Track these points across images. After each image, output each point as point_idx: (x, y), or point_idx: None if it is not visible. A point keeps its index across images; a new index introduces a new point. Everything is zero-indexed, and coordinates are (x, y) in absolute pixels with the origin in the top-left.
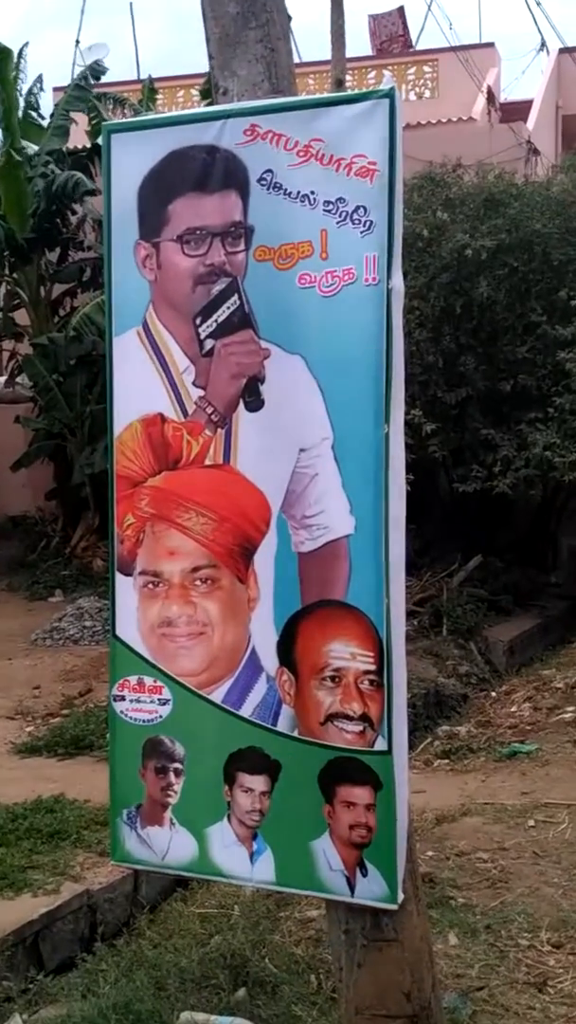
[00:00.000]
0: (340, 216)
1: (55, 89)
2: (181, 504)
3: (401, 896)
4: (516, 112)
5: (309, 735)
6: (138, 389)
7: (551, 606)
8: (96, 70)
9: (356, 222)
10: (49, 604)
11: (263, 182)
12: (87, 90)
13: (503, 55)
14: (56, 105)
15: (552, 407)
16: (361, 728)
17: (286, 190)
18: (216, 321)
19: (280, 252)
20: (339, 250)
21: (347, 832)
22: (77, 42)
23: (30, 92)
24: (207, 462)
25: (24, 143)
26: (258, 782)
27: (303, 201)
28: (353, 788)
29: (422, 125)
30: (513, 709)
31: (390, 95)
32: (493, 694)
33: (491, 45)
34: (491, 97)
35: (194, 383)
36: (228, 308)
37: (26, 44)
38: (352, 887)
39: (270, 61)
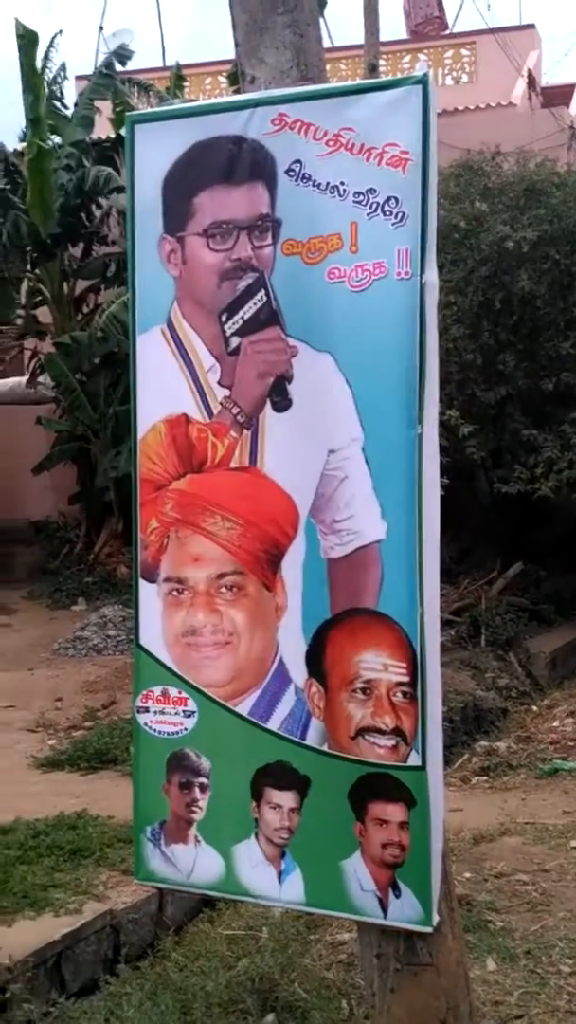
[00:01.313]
0: (371, 208)
1: (78, 78)
2: (206, 508)
3: (436, 918)
4: (558, 96)
5: (339, 749)
6: (162, 389)
7: None
8: (122, 55)
9: (388, 214)
10: (72, 612)
11: (291, 173)
12: (112, 77)
13: (544, 37)
14: (80, 94)
15: None
16: (394, 742)
17: (315, 181)
18: (242, 318)
19: (309, 246)
20: (370, 243)
21: (379, 851)
22: (101, 28)
23: (54, 81)
24: (233, 465)
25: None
26: (287, 798)
27: (333, 192)
28: (386, 805)
29: (459, 111)
30: (555, 724)
31: (423, 81)
32: (534, 708)
33: (531, 27)
34: (532, 81)
35: (219, 383)
36: (255, 304)
37: (59, 32)
38: (385, 909)
39: (299, 47)
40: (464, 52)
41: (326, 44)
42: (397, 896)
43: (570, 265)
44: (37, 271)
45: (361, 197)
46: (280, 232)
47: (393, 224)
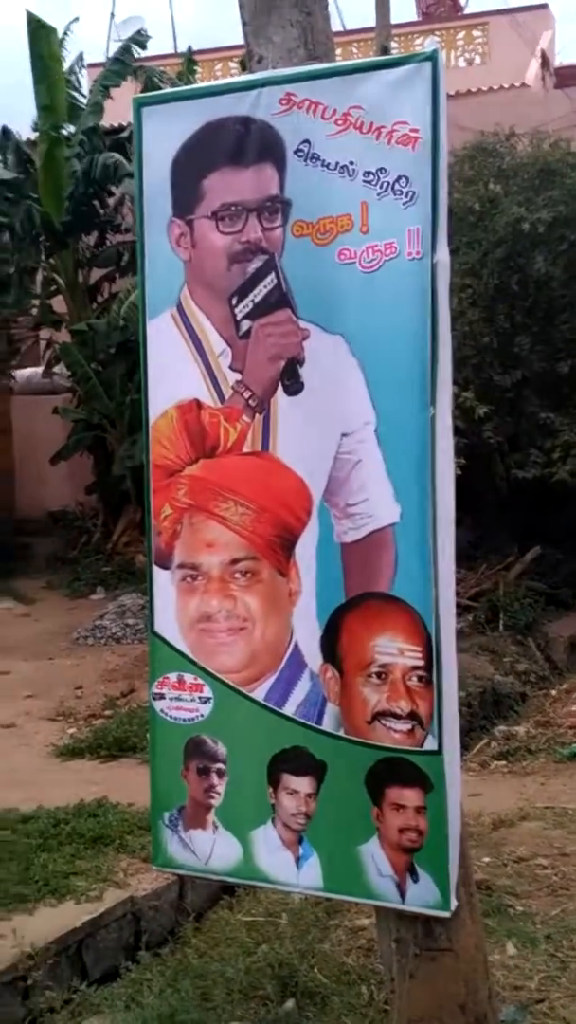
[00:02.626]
0: (381, 187)
1: (90, 66)
2: (219, 494)
3: (454, 903)
4: (573, 77)
5: (355, 734)
6: (173, 374)
7: None
8: (138, 40)
9: (398, 193)
10: (91, 602)
11: (300, 153)
12: (127, 64)
13: (558, 16)
14: (94, 81)
15: None
16: (410, 727)
17: (324, 161)
18: (253, 301)
19: (319, 226)
20: (381, 223)
21: (397, 836)
22: (112, 15)
23: (71, 70)
24: (245, 449)
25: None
26: (303, 783)
27: (342, 172)
28: (402, 789)
29: (472, 93)
30: (574, 708)
31: (432, 58)
32: (553, 692)
33: (544, 6)
34: (545, 61)
35: (231, 367)
36: (265, 287)
37: (75, 20)
38: (403, 893)
39: (306, 26)
40: (476, 33)
41: (338, 28)
42: (415, 881)
43: None
44: (51, 260)
45: (371, 177)
46: (290, 213)
47: (404, 203)
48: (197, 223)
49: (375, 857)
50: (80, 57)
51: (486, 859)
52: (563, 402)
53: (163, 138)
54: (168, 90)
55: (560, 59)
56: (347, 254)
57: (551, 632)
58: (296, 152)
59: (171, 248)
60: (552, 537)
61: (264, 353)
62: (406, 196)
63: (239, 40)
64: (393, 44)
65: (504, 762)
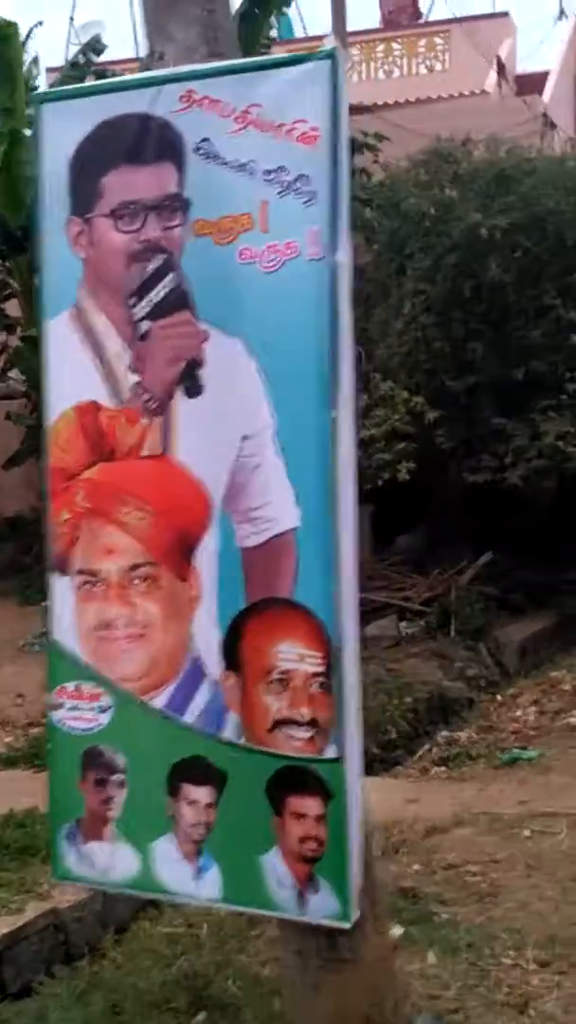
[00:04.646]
0: (282, 186)
1: (48, 70)
2: (118, 498)
3: (356, 914)
4: (532, 85)
5: (256, 743)
6: (71, 375)
7: (567, 604)
8: (94, 46)
9: (298, 192)
10: (42, 609)
11: (200, 151)
12: (84, 68)
13: (519, 25)
14: (50, 86)
15: (566, 394)
16: (310, 734)
17: (224, 159)
18: (151, 301)
19: (220, 225)
20: (281, 223)
21: (297, 846)
22: (71, 19)
23: (28, 73)
24: (144, 452)
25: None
26: (203, 793)
27: (242, 171)
28: (303, 798)
29: (432, 100)
30: (518, 713)
31: (332, 55)
32: (499, 697)
33: (505, 14)
34: (502, 69)
35: (130, 368)
36: (164, 287)
37: (38, 24)
38: (303, 904)
39: (207, 23)
40: (438, 41)
41: (300, 34)
42: (315, 891)
43: (540, 253)
44: (7, 264)
45: (271, 175)
46: (190, 212)
47: (304, 203)
48: (95, 222)
49: (276, 867)
50: (36, 60)
51: (416, 866)
52: (516, 408)
53: (62, 135)
54: (69, 87)
55: (522, 67)
56: (248, 254)
57: (502, 637)
58: (196, 150)
59: (69, 247)
60: (507, 543)
61: (163, 355)
62: (307, 196)
63: None
64: (354, 51)
65: (444, 768)
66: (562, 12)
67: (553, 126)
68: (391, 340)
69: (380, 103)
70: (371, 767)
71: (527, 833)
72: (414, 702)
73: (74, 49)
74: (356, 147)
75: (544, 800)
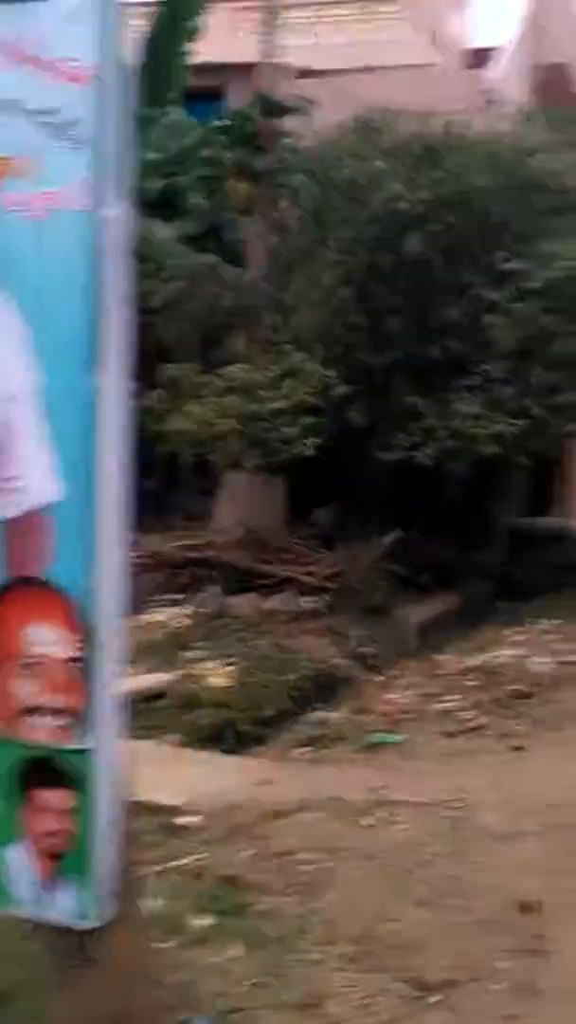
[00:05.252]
0: (51, 129)
1: None
2: None
3: (105, 914)
4: (485, 59)
5: (4, 731)
6: None
7: (474, 587)
8: None
9: (69, 138)
10: None
11: None
12: None
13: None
14: None
15: (479, 375)
16: (62, 723)
17: None
18: None
19: None
20: (51, 169)
21: (43, 840)
22: None
23: None
24: None
25: None
26: None
27: (9, 110)
28: (49, 791)
29: (382, 68)
30: (395, 695)
31: None
32: (381, 678)
33: None
34: (454, 42)
35: None
36: None
37: None
38: (47, 903)
39: None
40: (392, 8)
41: None
42: (60, 889)
43: (464, 230)
44: None
45: (41, 117)
46: None
47: (75, 149)
48: None
49: (22, 862)
50: None
51: (249, 852)
52: (433, 387)
53: None
54: None
55: (478, 41)
56: (14, 200)
57: (404, 616)
58: None
59: None
60: (420, 522)
61: None
62: (77, 142)
63: None
64: (309, 13)
65: (309, 749)
66: None
67: (501, 102)
68: (308, 311)
69: (330, 69)
70: (241, 745)
71: (371, 821)
72: (298, 679)
73: None
74: (284, 110)
75: (398, 787)
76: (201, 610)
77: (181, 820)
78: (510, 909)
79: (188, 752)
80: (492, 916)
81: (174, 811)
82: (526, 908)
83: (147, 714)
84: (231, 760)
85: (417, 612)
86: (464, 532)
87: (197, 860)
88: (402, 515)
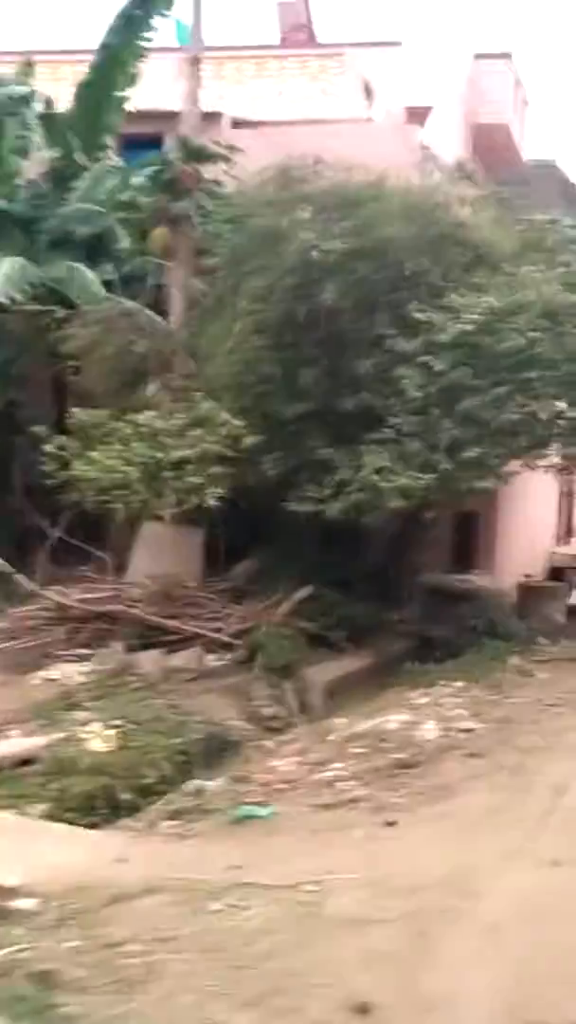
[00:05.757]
0: None
1: None
2: None
3: None
4: (422, 116)
5: None
6: None
7: (392, 645)
8: None
9: None
10: None
11: None
12: None
13: (418, 56)
14: None
15: (390, 427)
16: None
17: None
18: None
19: None
20: None
21: None
22: None
23: None
24: None
25: None
26: None
27: None
28: None
29: (318, 121)
30: (280, 762)
31: None
32: (271, 743)
33: (398, 44)
34: (369, 93)
35: None
36: None
37: None
38: None
39: None
40: (332, 64)
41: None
42: None
43: (377, 281)
44: None
45: None
46: None
47: None
48: None
49: None
50: None
51: (75, 943)
52: (346, 439)
53: None
54: None
55: (416, 100)
56: None
57: (311, 676)
58: None
59: None
60: (338, 578)
61: None
62: None
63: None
64: (251, 66)
65: (177, 822)
66: (458, 50)
67: (435, 159)
68: (221, 359)
69: (266, 120)
70: (115, 815)
71: (219, 906)
72: (186, 743)
73: None
74: (207, 156)
75: (257, 867)
76: (100, 667)
77: (14, 904)
78: (342, 1011)
79: (46, 825)
80: (322, 1018)
81: (9, 893)
82: (359, 1010)
83: (11, 781)
84: (90, 835)
85: (326, 671)
86: (381, 588)
87: (15, 952)
88: (319, 569)
